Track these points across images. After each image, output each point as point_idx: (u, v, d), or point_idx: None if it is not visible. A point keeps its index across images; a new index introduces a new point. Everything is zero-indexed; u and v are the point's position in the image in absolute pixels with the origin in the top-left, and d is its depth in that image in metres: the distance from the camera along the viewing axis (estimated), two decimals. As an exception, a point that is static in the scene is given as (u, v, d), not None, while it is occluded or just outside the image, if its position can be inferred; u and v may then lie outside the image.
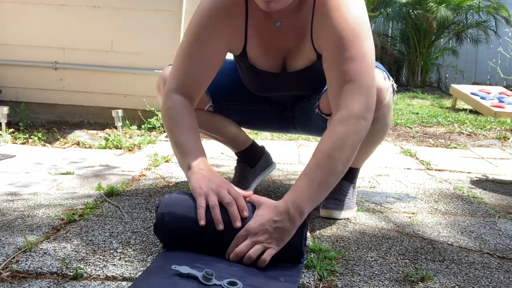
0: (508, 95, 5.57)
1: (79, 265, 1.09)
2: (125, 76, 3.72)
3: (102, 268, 1.09)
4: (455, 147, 3.29)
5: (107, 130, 3.54)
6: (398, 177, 2.23)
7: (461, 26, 8.59)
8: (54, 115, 3.82)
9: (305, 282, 1.07)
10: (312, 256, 1.19)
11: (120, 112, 3.31)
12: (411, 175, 2.30)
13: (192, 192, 1.21)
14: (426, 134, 3.80)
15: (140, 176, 2.08)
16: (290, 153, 2.78)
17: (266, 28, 1.39)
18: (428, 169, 2.48)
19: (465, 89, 5.80)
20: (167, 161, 2.37)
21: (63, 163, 2.36)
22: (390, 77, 1.47)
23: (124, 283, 1.02)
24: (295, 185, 1.20)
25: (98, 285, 1.01)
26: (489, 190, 2.05)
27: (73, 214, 1.44)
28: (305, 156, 2.71)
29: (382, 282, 1.09)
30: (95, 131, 3.55)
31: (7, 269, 1.06)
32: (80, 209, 1.51)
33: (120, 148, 2.88)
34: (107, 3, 3.64)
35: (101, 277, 1.05)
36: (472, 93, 5.55)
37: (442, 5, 7.97)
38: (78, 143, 3.11)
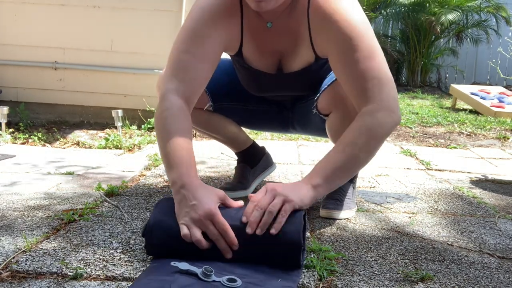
0: (508, 95, 5.57)
1: (79, 265, 1.09)
2: (125, 76, 3.72)
3: (102, 268, 1.09)
4: (455, 147, 3.29)
5: (107, 130, 3.54)
6: (398, 177, 2.23)
7: (461, 26, 8.59)
8: (54, 115, 3.82)
9: (305, 282, 1.07)
10: (312, 256, 1.19)
11: (120, 112, 3.31)
12: (411, 175, 2.30)
13: (176, 217, 1.14)
14: (426, 134, 3.80)
15: (140, 176, 2.08)
16: (290, 153, 2.78)
17: (258, 29, 1.40)
18: (428, 169, 2.48)
19: (465, 89, 5.80)
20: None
21: (63, 163, 2.36)
22: None
23: (124, 283, 1.02)
24: (313, 168, 1.23)
25: (98, 285, 1.01)
26: (489, 190, 2.05)
27: (73, 214, 1.43)
28: (305, 156, 2.71)
29: (382, 282, 1.09)
30: (95, 131, 3.55)
31: (7, 269, 1.06)
32: (80, 209, 1.51)
33: (120, 148, 2.88)
34: (107, 3, 3.64)
35: (101, 277, 1.05)
36: (472, 93, 5.55)
37: (445, 7, 7.97)
38: (78, 143, 3.11)
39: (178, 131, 1.25)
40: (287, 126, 1.77)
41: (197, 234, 1.09)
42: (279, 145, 3.01)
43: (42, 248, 1.19)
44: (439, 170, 2.46)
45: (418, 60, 8.57)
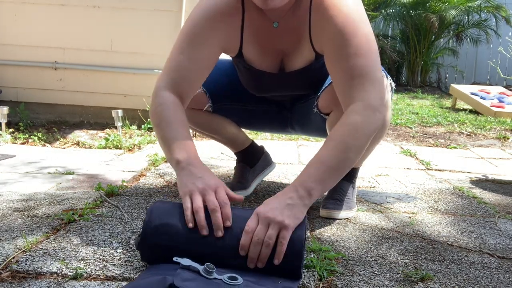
0: (508, 95, 5.57)
1: (79, 265, 1.09)
2: (125, 76, 3.72)
3: (102, 268, 1.09)
4: (455, 147, 3.29)
5: (107, 130, 3.54)
6: (398, 177, 2.23)
7: (461, 26, 8.59)
8: (54, 115, 3.82)
9: (305, 282, 1.07)
10: (312, 256, 1.19)
11: (120, 112, 3.31)
12: (411, 175, 2.30)
13: (179, 189, 1.16)
14: (426, 134, 3.80)
15: (140, 176, 2.08)
16: (290, 153, 2.78)
17: (263, 29, 1.40)
18: (428, 169, 2.48)
19: (465, 89, 5.80)
20: (167, 161, 2.37)
21: (63, 163, 2.36)
22: (388, 76, 1.47)
23: (124, 283, 1.02)
24: (304, 169, 1.20)
25: (98, 285, 1.01)
26: (489, 190, 2.05)
27: (73, 214, 1.43)
28: (305, 156, 2.71)
29: (382, 282, 1.09)
30: (95, 131, 3.55)
31: (7, 269, 1.06)
32: (80, 209, 1.51)
33: (120, 148, 2.88)
34: (107, 3, 3.64)
35: (101, 277, 1.05)
36: (472, 93, 5.55)
37: (446, 3, 7.97)
38: (78, 143, 3.11)
39: (177, 121, 1.27)
40: (286, 126, 1.77)
41: (199, 201, 1.09)
42: (279, 145, 3.01)
43: (42, 248, 1.19)
44: (439, 170, 2.46)
45: (418, 60, 8.57)
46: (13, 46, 3.73)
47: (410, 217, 1.60)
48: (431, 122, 4.37)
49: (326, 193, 1.62)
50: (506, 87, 6.73)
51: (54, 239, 1.25)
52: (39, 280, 1.02)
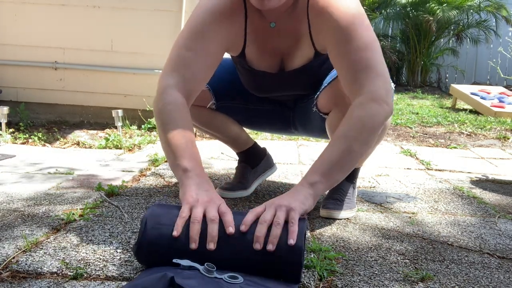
0: (508, 95, 5.57)
1: (79, 265, 1.09)
2: (125, 76, 3.72)
3: (102, 268, 1.09)
4: (455, 147, 3.29)
5: (107, 130, 3.54)
6: (398, 177, 2.23)
7: (461, 26, 8.59)
8: (54, 115, 3.82)
9: (305, 282, 1.07)
10: (312, 256, 1.19)
11: (120, 112, 3.31)
12: (411, 175, 2.30)
13: (180, 197, 1.12)
14: (426, 134, 3.80)
15: (140, 176, 2.08)
16: (290, 153, 2.78)
17: (261, 29, 1.40)
18: (428, 169, 2.48)
19: (465, 89, 5.80)
20: (167, 161, 2.37)
21: (63, 163, 2.36)
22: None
23: (124, 283, 1.02)
24: (310, 167, 1.20)
25: (98, 285, 1.01)
26: (489, 190, 2.05)
27: (73, 214, 1.43)
28: (305, 156, 2.70)
29: (382, 282, 1.09)
30: (95, 131, 3.55)
31: (7, 269, 1.06)
32: (80, 209, 1.51)
33: (120, 148, 2.88)
34: (107, 3, 3.64)
35: (101, 277, 1.05)
36: (472, 93, 5.55)
37: (444, 5, 7.97)
38: (78, 143, 3.11)
39: (186, 126, 1.24)
40: (289, 126, 1.77)
41: (199, 213, 1.04)
42: (279, 145, 3.01)
43: (42, 248, 1.19)
44: (439, 170, 2.46)
45: (418, 60, 8.57)
46: (13, 46, 3.73)
47: (410, 217, 1.60)
48: (431, 122, 4.37)
49: (326, 193, 1.62)
50: (506, 87, 6.73)
51: (54, 239, 1.25)
52: (39, 280, 1.02)
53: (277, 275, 1.02)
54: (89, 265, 1.10)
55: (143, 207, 1.58)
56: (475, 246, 1.35)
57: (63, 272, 1.06)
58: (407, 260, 1.23)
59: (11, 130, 3.35)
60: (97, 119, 3.80)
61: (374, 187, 2.02)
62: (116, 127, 3.34)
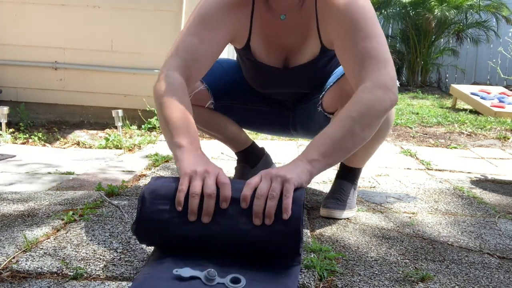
0: (508, 95, 5.57)
1: (79, 265, 1.09)
2: (125, 76, 3.72)
3: (102, 268, 1.09)
4: (455, 147, 3.29)
5: (107, 130, 3.54)
6: (398, 177, 2.23)
7: (461, 25, 8.59)
8: (54, 115, 3.82)
9: (305, 282, 1.07)
10: (312, 256, 1.19)
11: (120, 112, 3.31)
12: (411, 175, 2.30)
13: (179, 170, 1.12)
14: (426, 134, 3.80)
15: (140, 176, 2.08)
16: (290, 153, 2.78)
17: (270, 22, 1.41)
18: (428, 169, 2.48)
19: (465, 89, 5.80)
20: (167, 161, 2.37)
21: (64, 163, 2.36)
22: None
23: (124, 283, 1.02)
24: (309, 144, 1.18)
25: (98, 285, 1.01)
26: (489, 190, 2.05)
27: (73, 214, 1.43)
28: (305, 156, 2.70)
29: (382, 282, 1.09)
30: (95, 131, 3.55)
31: (7, 269, 1.06)
32: (80, 209, 1.51)
33: (120, 148, 2.88)
34: (107, 3, 3.64)
35: (101, 277, 1.05)
36: (472, 93, 5.55)
37: (443, 5, 7.97)
38: (78, 143, 3.11)
39: (184, 106, 1.24)
40: (288, 127, 1.77)
41: (198, 186, 1.04)
42: (279, 145, 3.01)
43: (42, 248, 1.19)
44: (439, 170, 2.46)
45: (418, 60, 8.57)
46: (13, 46, 3.73)
47: (410, 217, 1.60)
48: (431, 122, 4.37)
49: (327, 192, 1.62)
50: (506, 87, 6.73)
51: (54, 239, 1.25)
52: (39, 280, 1.02)
53: (277, 247, 1.04)
54: (89, 265, 1.10)
55: (143, 207, 1.58)
56: (475, 246, 1.35)
57: (63, 272, 1.06)
58: (407, 260, 1.23)
59: (11, 130, 3.35)
60: (97, 119, 3.80)
61: (374, 187, 2.02)
62: (116, 127, 3.34)
